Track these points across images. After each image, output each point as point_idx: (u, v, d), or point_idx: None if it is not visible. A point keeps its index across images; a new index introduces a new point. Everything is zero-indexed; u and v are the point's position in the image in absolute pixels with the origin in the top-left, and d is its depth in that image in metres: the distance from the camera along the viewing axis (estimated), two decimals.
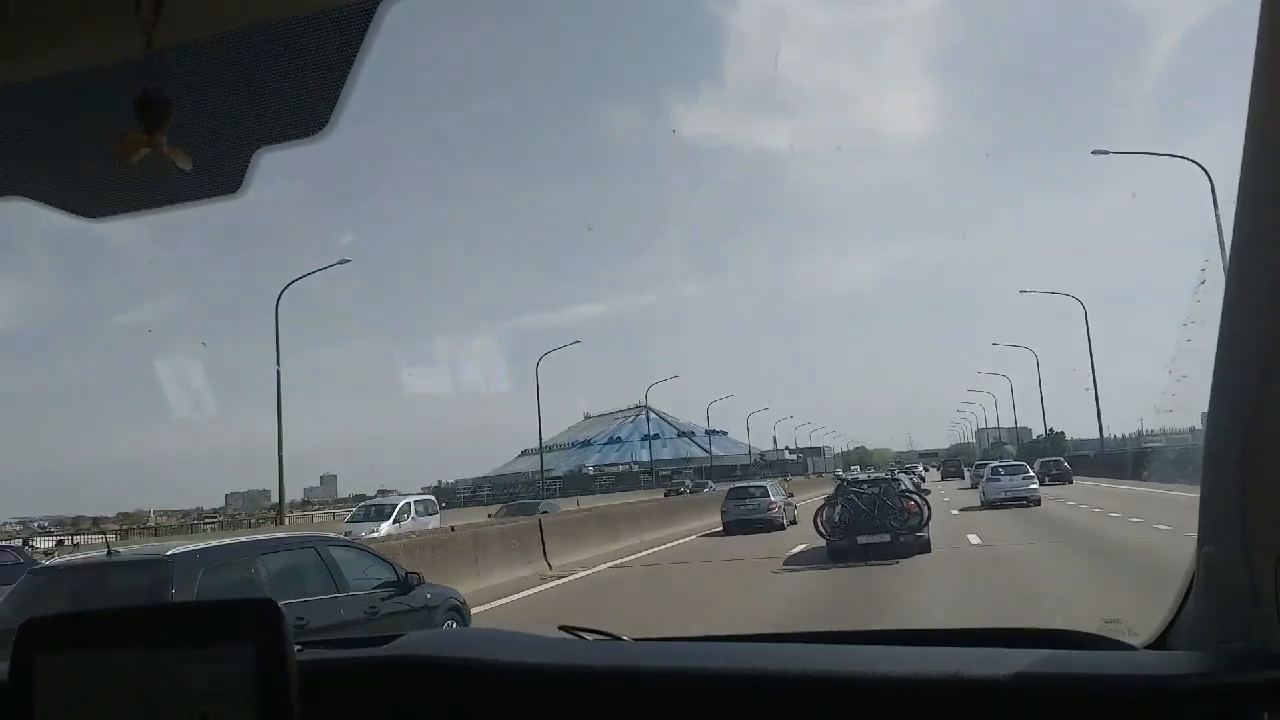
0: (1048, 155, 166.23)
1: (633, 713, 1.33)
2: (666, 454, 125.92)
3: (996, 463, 31.23)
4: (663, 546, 21.07)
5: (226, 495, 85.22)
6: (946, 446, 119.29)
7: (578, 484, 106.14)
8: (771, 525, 23.16)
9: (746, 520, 23.41)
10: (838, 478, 22.92)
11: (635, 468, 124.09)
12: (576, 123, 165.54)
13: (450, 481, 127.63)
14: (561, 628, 1.70)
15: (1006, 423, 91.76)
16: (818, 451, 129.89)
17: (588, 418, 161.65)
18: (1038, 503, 25.13)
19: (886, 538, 14.67)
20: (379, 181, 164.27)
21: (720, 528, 23.96)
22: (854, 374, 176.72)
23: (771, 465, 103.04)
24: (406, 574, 8.12)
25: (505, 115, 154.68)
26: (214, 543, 7.26)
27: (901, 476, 20.51)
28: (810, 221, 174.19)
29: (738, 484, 28.30)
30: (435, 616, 8.30)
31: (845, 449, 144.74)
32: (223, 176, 1.04)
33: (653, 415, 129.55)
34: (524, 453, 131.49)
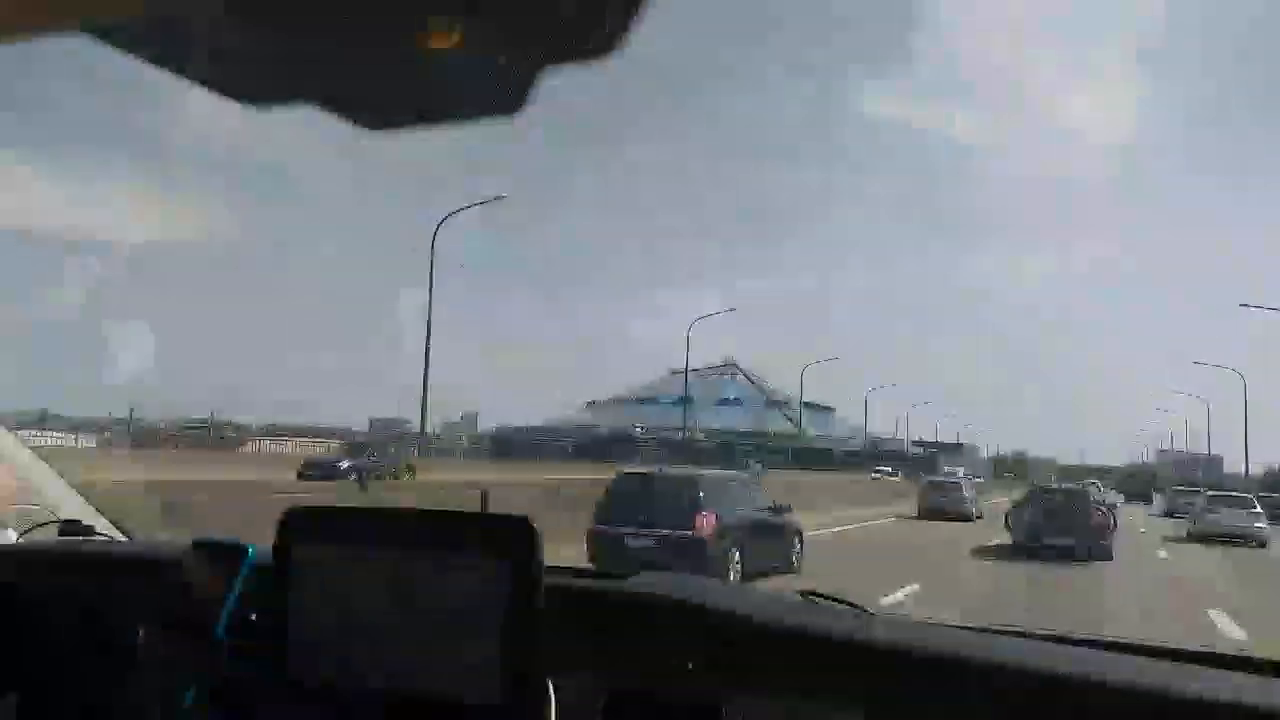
0: (1254, 168, 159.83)
1: (871, 685, 1.41)
2: (745, 425, 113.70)
3: (1214, 491, 31.42)
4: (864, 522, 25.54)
5: (370, 420, 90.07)
6: (1121, 465, 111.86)
7: (601, 447, 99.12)
8: (964, 516, 29.19)
9: (942, 509, 29.54)
10: (1034, 484, 27.21)
11: (700, 435, 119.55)
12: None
13: (511, 426, 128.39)
14: (801, 593, 1.82)
15: (1194, 449, 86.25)
16: (956, 449, 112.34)
17: (674, 374, 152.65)
18: (1264, 544, 24.97)
19: (1072, 542, 17.54)
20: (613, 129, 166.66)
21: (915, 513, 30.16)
22: (1014, 377, 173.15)
23: (882, 457, 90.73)
24: (778, 503, 13.74)
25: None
26: (708, 472, 14.42)
27: (1090, 488, 24.20)
28: (985, 215, 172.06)
29: (934, 478, 38.97)
30: (790, 533, 13.98)
31: (996, 452, 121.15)
32: (506, 94, 1.02)
33: (739, 376, 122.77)
34: (589, 405, 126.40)
